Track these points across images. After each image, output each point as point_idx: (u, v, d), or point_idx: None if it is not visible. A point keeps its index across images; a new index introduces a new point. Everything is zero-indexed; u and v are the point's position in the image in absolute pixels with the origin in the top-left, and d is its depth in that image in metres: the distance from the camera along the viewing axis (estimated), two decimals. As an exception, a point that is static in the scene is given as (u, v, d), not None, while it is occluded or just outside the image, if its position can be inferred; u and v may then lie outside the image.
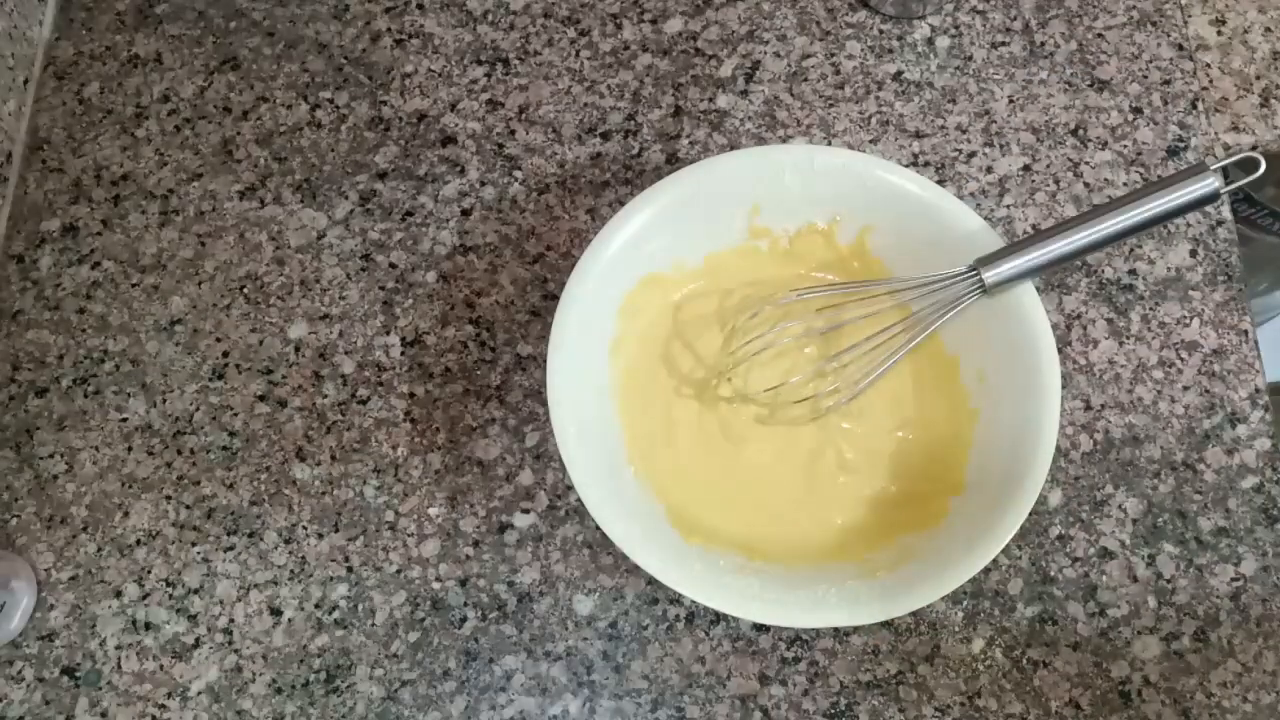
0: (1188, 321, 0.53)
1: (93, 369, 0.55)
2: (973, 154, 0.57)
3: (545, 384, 0.47)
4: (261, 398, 0.54)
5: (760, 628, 0.49)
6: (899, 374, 0.50)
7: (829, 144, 0.58)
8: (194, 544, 0.52)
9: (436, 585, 0.51)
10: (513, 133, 0.59)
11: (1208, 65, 0.59)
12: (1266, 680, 0.48)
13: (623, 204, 0.49)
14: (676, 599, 0.50)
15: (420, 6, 0.62)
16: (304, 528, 0.52)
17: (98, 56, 0.62)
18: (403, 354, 0.55)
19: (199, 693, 0.50)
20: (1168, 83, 0.58)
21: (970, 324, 0.49)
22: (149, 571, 0.52)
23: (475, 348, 0.55)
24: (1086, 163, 0.57)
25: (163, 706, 0.49)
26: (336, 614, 0.51)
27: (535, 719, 0.49)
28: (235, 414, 0.54)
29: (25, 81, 0.61)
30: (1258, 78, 0.59)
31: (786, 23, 0.61)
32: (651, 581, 0.50)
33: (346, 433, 0.54)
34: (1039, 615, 0.49)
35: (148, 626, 0.51)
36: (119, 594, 0.51)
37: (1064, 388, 0.48)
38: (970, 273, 0.47)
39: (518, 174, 0.58)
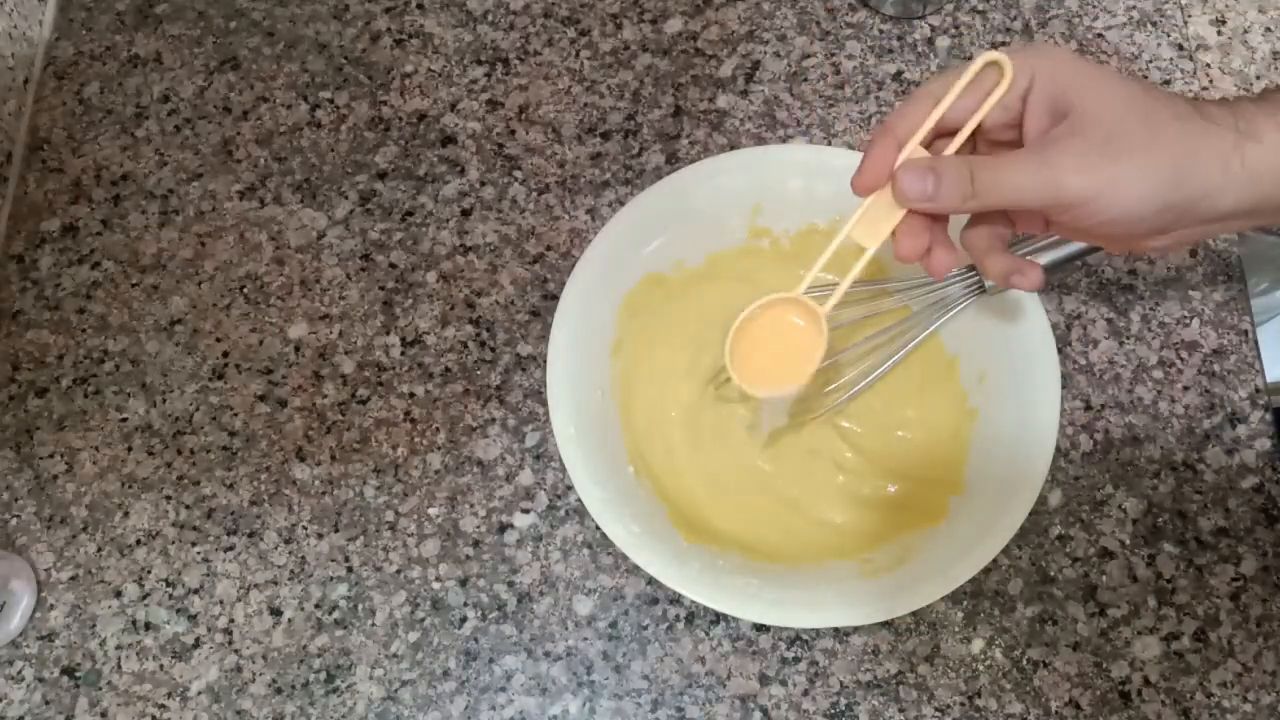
0: (1188, 321, 0.53)
1: (93, 369, 0.55)
2: (973, 154, 0.57)
3: (545, 384, 0.47)
4: (261, 398, 0.54)
5: (760, 628, 0.49)
6: (899, 374, 0.50)
7: (829, 144, 0.58)
8: (194, 544, 0.52)
9: (436, 585, 0.51)
10: (513, 133, 0.59)
11: (1208, 65, 0.59)
12: (1266, 680, 0.48)
13: (623, 204, 0.49)
14: (676, 599, 0.50)
15: (420, 6, 0.62)
16: (304, 528, 0.52)
17: (98, 56, 0.62)
18: (403, 354, 0.55)
19: (199, 693, 0.50)
20: (1168, 83, 0.58)
21: (970, 324, 0.49)
22: (149, 571, 0.52)
23: (475, 348, 0.55)
24: (1086, 163, 0.57)
25: (163, 706, 0.49)
26: (336, 614, 0.51)
27: (535, 719, 0.49)
28: (235, 414, 0.54)
29: (25, 81, 0.61)
30: (1258, 78, 0.59)
31: (786, 23, 0.61)
32: (651, 581, 0.50)
33: (346, 433, 0.54)
34: (1039, 615, 0.49)
35: (148, 626, 0.51)
36: (119, 594, 0.51)
37: (1064, 388, 0.48)
38: (970, 273, 0.48)
39: (518, 174, 0.58)
